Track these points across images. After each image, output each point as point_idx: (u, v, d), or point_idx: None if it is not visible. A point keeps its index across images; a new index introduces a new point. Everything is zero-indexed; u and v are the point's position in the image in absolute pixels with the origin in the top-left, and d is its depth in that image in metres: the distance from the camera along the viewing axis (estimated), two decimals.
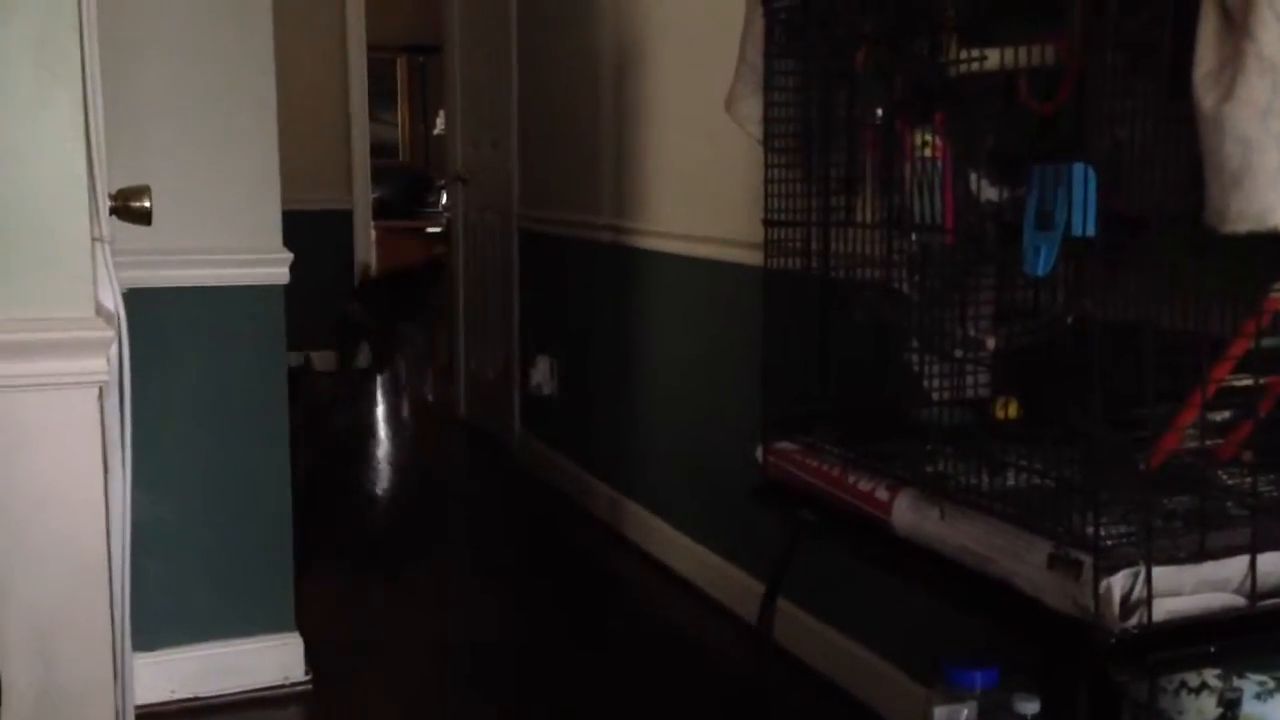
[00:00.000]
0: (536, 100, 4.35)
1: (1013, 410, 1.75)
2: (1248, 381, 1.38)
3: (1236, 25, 1.18)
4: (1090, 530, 1.24)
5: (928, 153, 1.53)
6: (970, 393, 1.78)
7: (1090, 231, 1.26)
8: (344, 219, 6.29)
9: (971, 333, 1.74)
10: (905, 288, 1.72)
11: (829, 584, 2.50)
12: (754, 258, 1.96)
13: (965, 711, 1.52)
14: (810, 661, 2.67)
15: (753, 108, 1.83)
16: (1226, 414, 1.42)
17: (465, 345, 5.14)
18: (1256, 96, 1.16)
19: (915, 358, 1.80)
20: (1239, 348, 1.33)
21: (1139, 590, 1.22)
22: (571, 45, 3.96)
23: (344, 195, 6.29)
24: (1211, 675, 1.35)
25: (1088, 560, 1.23)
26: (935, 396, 1.80)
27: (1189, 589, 1.25)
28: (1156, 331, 1.46)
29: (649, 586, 3.29)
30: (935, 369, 1.79)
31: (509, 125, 4.52)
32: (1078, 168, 1.25)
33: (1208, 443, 1.38)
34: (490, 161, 4.76)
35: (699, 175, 3.14)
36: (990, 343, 1.71)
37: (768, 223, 1.82)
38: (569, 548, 3.67)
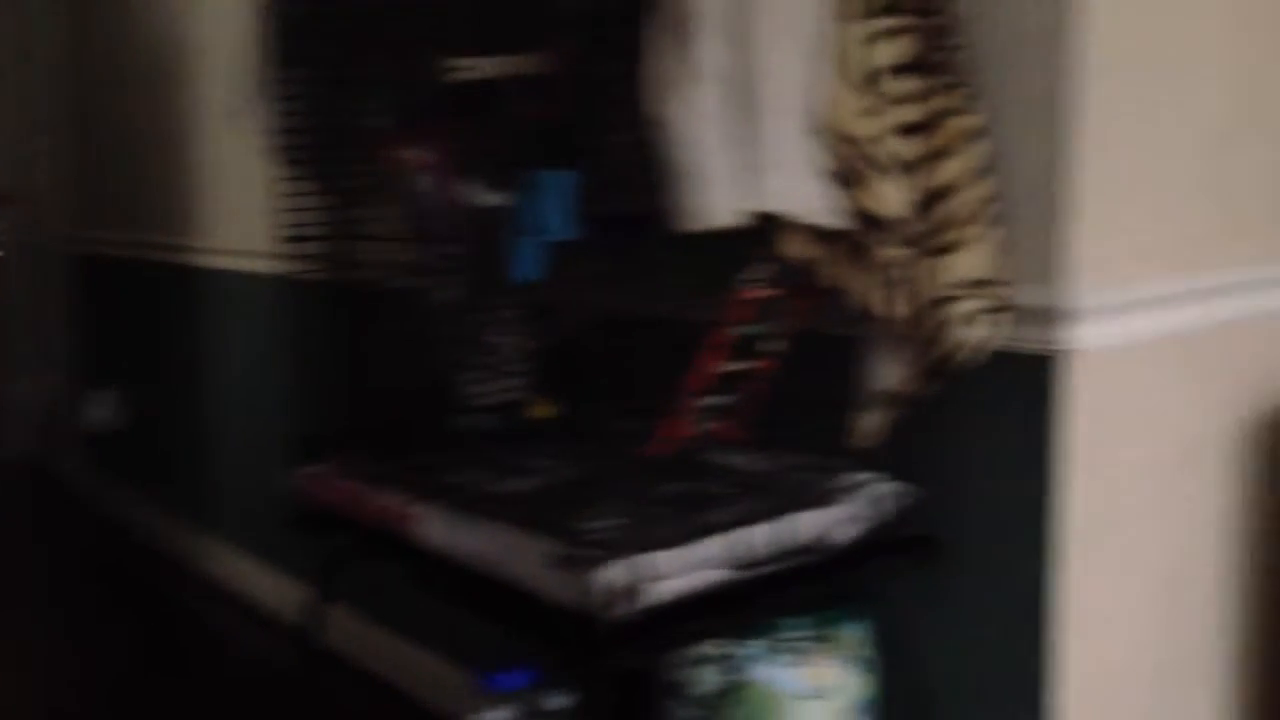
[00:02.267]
0: (88, 116, 3.98)
1: (546, 410, 1.80)
2: (742, 367, 1.48)
3: (681, 38, 1.26)
4: (585, 525, 1.28)
5: (431, 161, 1.52)
6: (506, 397, 1.80)
7: (571, 234, 1.30)
8: None
9: (496, 338, 1.76)
10: (433, 296, 1.71)
11: (388, 591, 2.45)
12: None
13: (504, 714, 1.53)
14: (377, 669, 2.61)
15: (262, 117, 1.75)
16: (724, 399, 1.51)
17: (17, 383, 4.62)
18: (700, 104, 1.24)
19: (451, 366, 1.80)
20: (720, 338, 1.42)
21: (635, 577, 1.26)
22: (119, 56, 3.66)
23: None
24: (715, 646, 1.43)
25: (584, 553, 1.26)
26: (472, 404, 1.80)
27: (684, 569, 1.32)
28: (651, 325, 1.54)
29: (228, 619, 3.09)
30: (469, 376, 1.79)
31: (55, 144, 4.11)
32: (557, 174, 1.28)
33: (707, 427, 1.47)
34: (38, 181, 4.31)
35: (246, 187, 2.98)
36: (513, 345, 1.74)
37: (287, 237, 1.74)
38: (143, 587, 3.38)
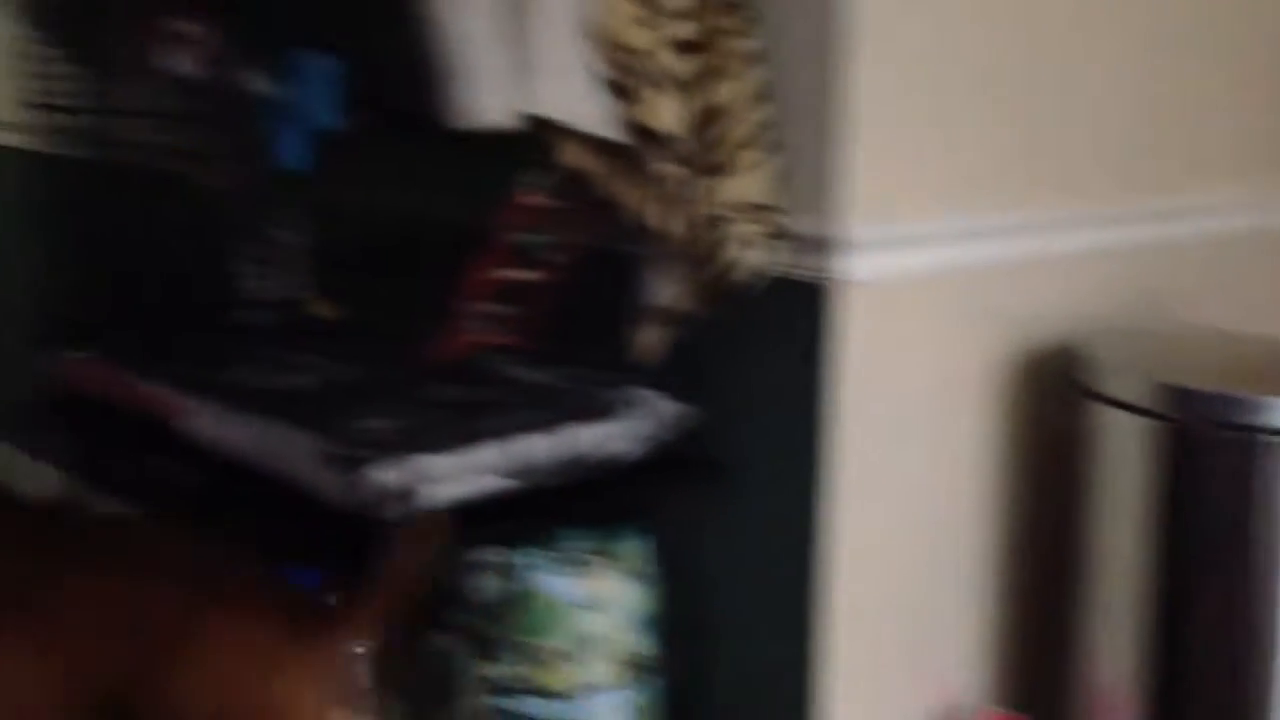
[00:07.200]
0: None
1: (326, 309, 1.73)
2: (522, 276, 1.44)
3: None
4: (357, 424, 1.25)
5: (194, 35, 1.42)
6: (284, 293, 1.73)
7: (339, 124, 1.24)
8: None
9: (275, 231, 1.68)
10: (198, 182, 1.61)
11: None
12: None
13: None
14: None
15: None
16: (504, 308, 1.47)
17: None
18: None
19: (226, 257, 1.72)
20: (495, 244, 1.39)
21: (408, 478, 1.24)
22: None
23: None
24: (495, 554, 1.39)
25: (354, 452, 1.23)
26: (248, 297, 1.73)
27: (460, 474, 1.28)
28: (434, 226, 1.49)
29: None
30: (245, 269, 1.71)
31: None
32: (321, 60, 1.22)
33: (488, 336, 1.44)
34: None
35: None
36: (292, 240, 1.68)
37: (35, 104, 1.60)
38: None
